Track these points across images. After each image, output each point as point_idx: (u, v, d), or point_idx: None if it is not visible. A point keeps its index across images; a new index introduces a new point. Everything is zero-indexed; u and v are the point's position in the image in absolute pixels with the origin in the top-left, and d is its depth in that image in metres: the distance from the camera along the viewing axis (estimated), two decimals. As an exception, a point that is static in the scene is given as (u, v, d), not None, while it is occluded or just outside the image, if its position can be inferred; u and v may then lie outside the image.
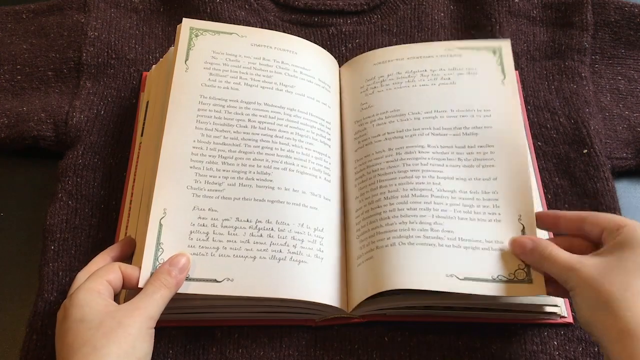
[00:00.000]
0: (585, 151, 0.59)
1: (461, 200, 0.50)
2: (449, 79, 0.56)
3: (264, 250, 0.48)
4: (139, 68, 0.64)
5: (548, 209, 0.56)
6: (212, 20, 0.65)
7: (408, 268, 0.47)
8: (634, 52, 0.66)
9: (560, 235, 0.49)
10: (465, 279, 0.47)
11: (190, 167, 0.50)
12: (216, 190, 0.50)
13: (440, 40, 0.65)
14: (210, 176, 0.50)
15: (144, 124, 0.58)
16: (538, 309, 0.50)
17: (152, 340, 0.43)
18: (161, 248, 0.47)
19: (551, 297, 0.50)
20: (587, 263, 0.42)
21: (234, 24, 0.65)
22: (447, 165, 0.52)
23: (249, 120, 0.53)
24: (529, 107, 0.62)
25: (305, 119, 0.54)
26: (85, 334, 0.40)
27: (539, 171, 0.58)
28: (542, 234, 0.51)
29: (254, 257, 0.48)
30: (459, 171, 0.52)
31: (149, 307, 0.43)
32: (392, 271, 0.47)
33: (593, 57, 0.65)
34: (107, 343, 0.40)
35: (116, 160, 0.59)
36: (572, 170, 0.58)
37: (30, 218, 0.58)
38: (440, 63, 0.58)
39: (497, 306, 0.49)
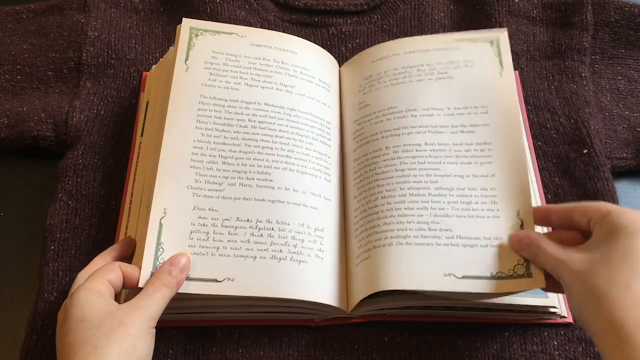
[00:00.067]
0: (585, 151, 0.59)
1: (459, 197, 0.50)
2: (446, 73, 0.56)
3: (265, 250, 0.48)
4: (139, 68, 0.64)
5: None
6: (212, 20, 0.65)
7: (405, 268, 0.47)
8: (634, 52, 0.66)
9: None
10: (464, 277, 0.46)
11: (191, 167, 0.50)
12: (216, 190, 0.50)
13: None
14: (211, 176, 0.50)
15: (144, 124, 0.58)
16: (538, 309, 0.50)
17: (153, 340, 0.43)
18: (161, 248, 0.47)
19: (551, 297, 0.50)
20: (575, 257, 0.41)
21: (234, 24, 0.65)
22: (444, 163, 0.51)
23: (249, 120, 0.53)
24: (529, 107, 0.62)
25: (306, 119, 0.54)
26: (85, 334, 0.40)
27: (539, 171, 0.58)
28: (542, 230, 0.51)
29: (255, 257, 0.48)
30: (457, 168, 0.51)
31: (150, 307, 0.43)
32: (389, 271, 0.47)
33: (593, 57, 0.65)
34: (107, 342, 0.40)
35: (116, 160, 0.59)
36: (572, 170, 0.58)
37: (30, 218, 0.58)
38: (437, 57, 0.57)
39: (497, 306, 0.49)
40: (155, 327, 0.43)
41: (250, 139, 0.52)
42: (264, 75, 0.55)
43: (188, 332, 0.50)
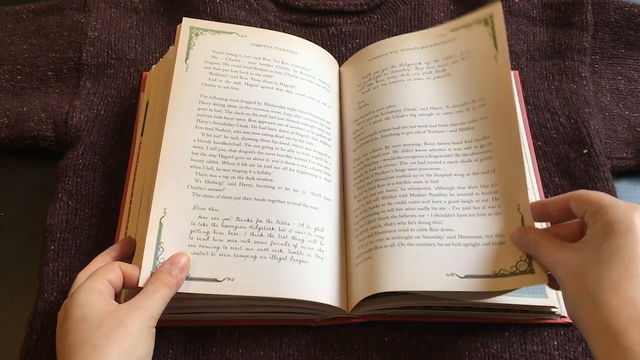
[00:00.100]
0: (585, 151, 0.59)
1: (460, 196, 0.50)
2: (444, 70, 0.55)
3: (265, 249, 0.48)
4: (139, 68, 0.64)
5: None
6: (213, 20, 0.65)
7: (407, 269, 0.47)
8: (634, 52, 0.66)
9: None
10: (466, 276, 0.46)
11: (191, 167, 0.50)
12: (216, 190, 0.50)
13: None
14: (211, 175, 0.50)
15: (144, 124, 0.58)
16: (538, 309, 0.50)
17: (153, 340, 0.43)
18: (161, 247, 0.47)
19: (551, 297, 0.50)
20: (569, 256, 0.41)
21: (234, 23, 0.65)
22: (444, 162, 0.51)
23: (250, 119, 0.53)
24: (529, 107, 0.62)
25: (306, 119, 0.54)
26: (85, 333, 0.40)
27: (539, 171, 0.58)
28: (542, 226, 0.50)
29: (255, 257, 0.48)
30: (457, 167, 0.51)
31: (150, 306, 0.43)
32: (390, 272, 0.47)
33: (593, 57, 0.65)
34: (107, 342, 0.40)
35: (116, 160, 0.59)
36: (572, 170, 0.58)
37: (30, 218, 0.58)
38: (435, 53, 0.56)
39: (497, 306, 0.49)
40: (155, 327, 0.43)
41: (250, 139, 0.52)
42: (264, 75, 0.55)
43: (188, 332, 0.50)
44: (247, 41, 0.57)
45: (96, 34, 0.64)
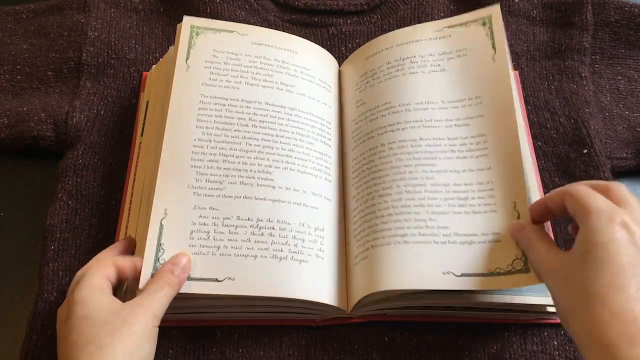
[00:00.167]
0: (585, 151, 0.59)
1: (456, 193, 0.49)
2: (439, 65, 0.55)
3: (265, 249, 0.48)
4: (139, 68, 0.64)
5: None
6: (212, 20, 0.65)
7: (403, 268, 0.47)
8: (634, 52, 0.66)
9: None
10: (462, 275, 0.46)
11: (191, 166, 0.50)
12: (217, 189, 0.50)
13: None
14: (211, 175, 0.50)
15: (144, 124, 0.58)
16: (538, 309, 0.50)
17: (156, 340, 0.43)
18: (162, 248, 0.47)
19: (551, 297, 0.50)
20: (557, 264, 0.40)
21: (234, 23, 0.65)
22: (440, 158, 0.51)
23: (250, 119, 0.53)
24: (529, 107, 0.62)
25: (306, 119, 0.54)
26: (89, 332, 0.40)
27: (539, 171, 0.58)
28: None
29: (255, 256, 0.48)
30: (453, 163, 0.51)
31: (153, 305, 0.43)
32: (387, 271, 0.47)
33: (593, 57, 0.65)
34: (112, 342, 0.40)
35: (116, 160, 0.59)
36: (572, 170, 0.58)
37: (30, 218, 0.58)
38: (430, 48, 0.56)
39: (497, 306, 0.49)
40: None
41: (251, 138, 0.52)
42: (264, 75, 0.55)
43: (188, 332, 0.50)
44: (248, 40, 0.57)
45: (96, 34, 0.64)
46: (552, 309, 0.50)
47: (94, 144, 0.59)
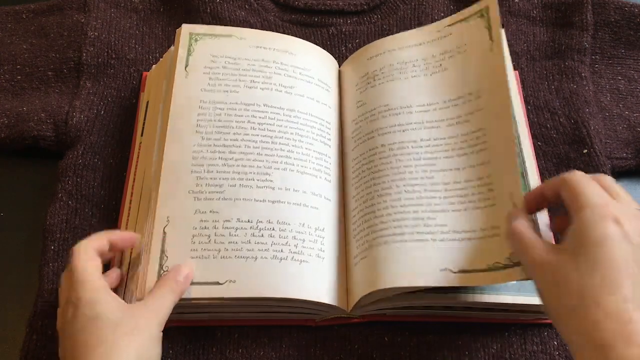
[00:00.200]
0: (585, 151, 0.59)
1: (455, 191, 0.49)
2: (440, 65, 0.55)
3: (265, 250, 0.48)
4: (139, 68, 0.64)
5: (548, 209, 0.56)
6: (213, 20, 0.65)
7: (400, 266, 0.47)
8: (634, 52, 0.66)
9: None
10: (460, 271, 0.46)
11: (192, 172, 0.50)
12: (217, 192, 0.50)
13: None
14: (211, 178, 0.50)
15: (144, 124, 0.58)
16: (538, 309, 0.50)
17: (161, 344, 0.43)
18: (165, 256, 0.47)
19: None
20: (543, 263, 0.39)
21: (234, 23, 0.65)
22: (441, 158, 0.51)
23: (249, 121, 0.53)
24: (529, 107, 0.62)
25: (305, 119, 0.54)
26: (100, 333, 0.40)
27: (539, 171, 0.58)
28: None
29: (255, 257, 0.48)
30: (454, 161, 0.50)
31: (159, 310, 0.43)
32: (385, 270, 0.47)
33: (593, 57, 0.65)
34: (125, 344, 0.40)
35: (116, 160, 0.59)
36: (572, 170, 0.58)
37: (30, 218, 0.58)
38: (431, 49, 0.56)
39: (497, 306, 0.49)
40: None
41: (249, 140, 0.52)
42: (263, 77, 0.55)
43: (188, 332, 0.50)
44: (246, 43, 0.57)
45: (96, 34, 0.64)
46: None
47: (94, 144, 0.59)
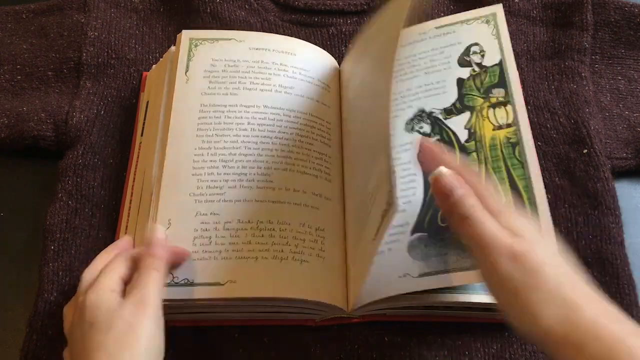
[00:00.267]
0: (585, 151, 0.59)
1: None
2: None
3: (266, 250, 0.48)
4: (139, 68, 0.64)
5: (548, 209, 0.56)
6: (212, 20, 0.65)
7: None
8: (634, 52, 0.66)
9: None
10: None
11: (192, 175, 0.50)
12: (217, 194, 0.50)
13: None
14: (212, 181, 0.50)
15: (144, 124, 0.58)
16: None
17: (162, 328, 0.41)
18: None
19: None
20: (500, 258, 0.38)
21: (234, 23, 0.65)
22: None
23: (249, 123, 0.53)
24: (529, 107, 0.62)
25: (305, 120, 0.54)
26: (96, 339, 0.39)
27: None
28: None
29: (256, 258, 0.48)
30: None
31: (148, 298, 0.41)
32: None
33: (593, 57, 0.65)
34: (119, 349, 0.39)
35: (116, 160, 0.59)
36: (572, 170, 0.58)
37: (30, 218, 0.58)
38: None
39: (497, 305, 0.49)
40: None
41: (249, 142, 0.52)
42: (262, 78, 0.55)
43: (188, 332, 0.50)
44: (246, 46, 0.57)
45: (96, 34, 0.64)
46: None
47: (94, 144, 0.59)
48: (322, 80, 0.58)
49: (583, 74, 0.63)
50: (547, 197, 0.56)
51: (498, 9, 0.56)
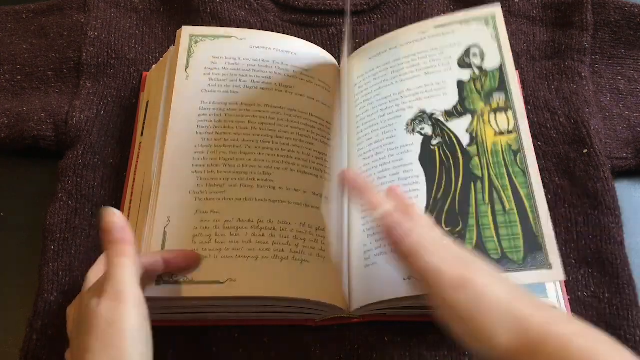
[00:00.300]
0: (585, 151, 0.59)
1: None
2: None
3: (266, 249, 0.48)
4: (139, 68, 0.64)
5: (548, 209, 0.56)
6: (213, 20, 0.65)
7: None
8: (634, 52, 0.66)
9: None
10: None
11: (192, 172, 0.50)
12: (218, 192, 0.50)
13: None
14: (212, 179, 0.50)
15: (144, 124, 0.58)
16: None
17: (146, 316, 0.39)
18: None
19: (550, 295, 0.50)
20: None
21: (234, 23, 0.65)
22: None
23: (249, 121, 0.53)
24: (529, 107, 0.62)
25: (305, 119, 0.54)
26: (82, 340, 0.39)
27: (539, 171, 0.58)
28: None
29: (257, 257, 0.48)
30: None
31: (123, 289, 0.39)
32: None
33: (593, 57, 0.65)
34: (102, 348, 0.37)
35: (116, 160, 0.59)
36: (572, 170, 0.58)
37: (30, 218, 0.58)
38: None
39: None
40: (155, 327, 0.43)
41: (250, 140, 0.52)
42: (263, 77, 0.55)
43: (188, 332, 0.50)
44: (246, 44, 0.57)
45: (96, 34, 0.64)
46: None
47: (94, 144, 0.59)
48: (322, 80, 0.58)
49: (583, 74, 0.63)
50: (547, 197, 0.57)
51: (497, 10, 0.56)
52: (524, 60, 0.65)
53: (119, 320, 0.38)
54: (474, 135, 0.53)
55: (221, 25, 0.65)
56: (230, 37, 0.57)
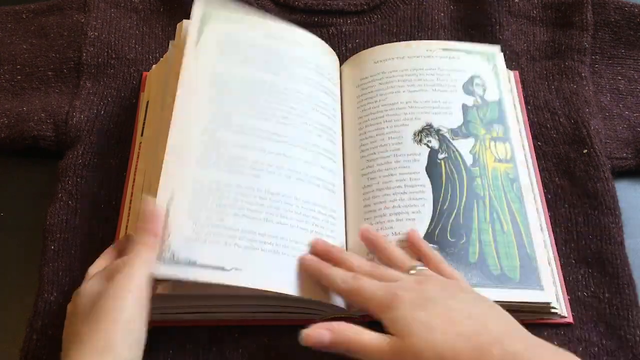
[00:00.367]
0: (585, 151, 0.59)
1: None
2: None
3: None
4: (139, 68, 0.64)
5: (548, 209, 0.56)
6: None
7: None
8: (634, 52, 0.66)
9: None
10: None
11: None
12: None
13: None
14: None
15: (144, 124, 0.58)
16: (539, 309, 0.50)
17: (145, 312, 0.39)
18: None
19: (550, 295, 0.50)
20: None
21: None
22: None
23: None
24: (529, 107, 0.62)
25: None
26: (74, 328, 0.39)
27: (539, 171, 0.58)
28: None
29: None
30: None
31: (132, 276, 0.39)
32: None
33: (593, 57, 0.65)
34: (91, 336, 0.37)
35: (116, 160, 0.59)
36: (572, 170, 0.58)
37: (30, 218, 0.57)
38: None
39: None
40: (155, 327, 0.43)
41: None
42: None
43: (188, 332, 0.50)
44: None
45: (96, 34, 0.64)
46: (552, 309, 0.50)
47: (94, 144, 0.59)
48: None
49: (583, 74, 0.63)
50: (547, 197, 0.57)
51: (497, 50, 0.60)
52: (524, 60, 0.65)
53: (116, 310, 0.38)
54: (477, 157, 0.54)
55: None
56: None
